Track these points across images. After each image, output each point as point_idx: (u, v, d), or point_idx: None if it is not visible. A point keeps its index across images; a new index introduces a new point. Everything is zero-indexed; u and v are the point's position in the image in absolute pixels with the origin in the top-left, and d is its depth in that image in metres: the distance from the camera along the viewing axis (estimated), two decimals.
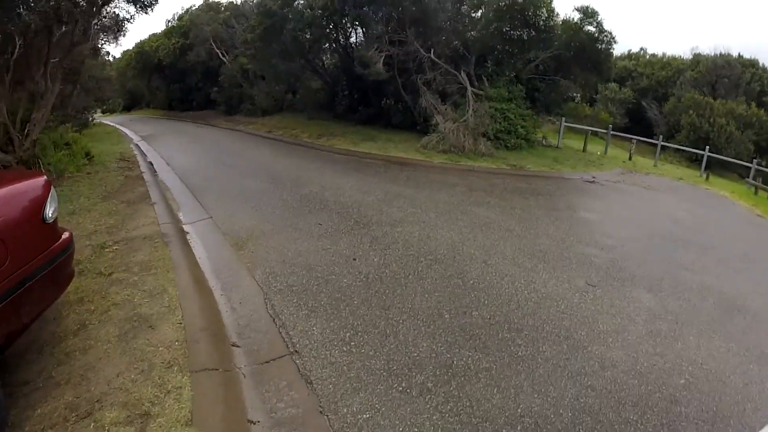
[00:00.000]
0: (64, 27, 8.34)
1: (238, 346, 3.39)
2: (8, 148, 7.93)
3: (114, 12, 9.95)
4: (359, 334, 3.52)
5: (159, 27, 34.86)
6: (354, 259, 4.90)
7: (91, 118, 18.50)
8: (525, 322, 3.88)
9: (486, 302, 4.17)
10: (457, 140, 12.38)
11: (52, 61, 8.43)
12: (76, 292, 4.12)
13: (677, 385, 3.25)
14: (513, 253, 5.48)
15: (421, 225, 6.28)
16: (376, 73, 13.73)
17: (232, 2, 26.16)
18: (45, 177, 3.15)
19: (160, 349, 3.32)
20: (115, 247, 5.20)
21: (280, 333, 3.50)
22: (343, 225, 6.10)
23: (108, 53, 39.85)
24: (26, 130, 8.18)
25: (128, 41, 44.82)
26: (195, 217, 6.43)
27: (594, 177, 11.62)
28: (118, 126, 22.91)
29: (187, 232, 5.82)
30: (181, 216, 6.50)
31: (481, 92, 13.63)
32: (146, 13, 9.71)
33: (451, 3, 14.69)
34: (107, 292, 4.14)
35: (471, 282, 4.56)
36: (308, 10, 14.62)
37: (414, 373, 3.10)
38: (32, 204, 2.83)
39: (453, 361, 3.26)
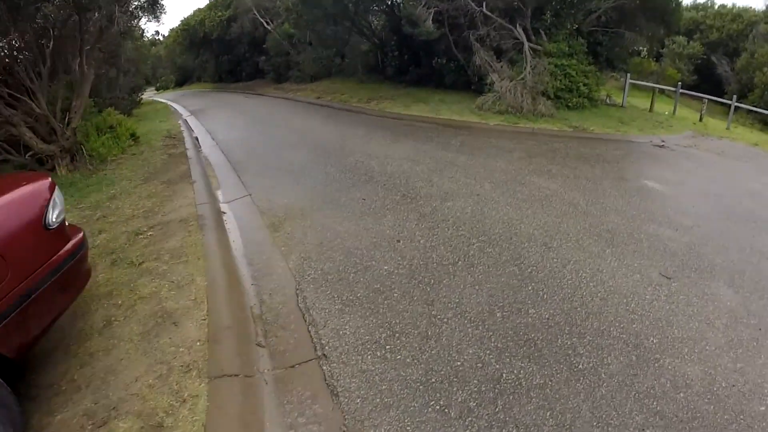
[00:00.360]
0: (96, 13, 8.30)
1: (262, 347, 3.12)
2: (51, 137, 8.12)
3: None
4: (396, 335, 3.12)
5: (203, 2, 35.43)
6: (398, 241, 4.47)
7: (139, 98, 19.07)
8: (589, 324, 3.31)
9: (545, 297, 3.62)
10: (515, 100, 11.51)
11: (86, 48, 8.49)
12: (106, 285, 4.06)
13: (756, 414, 2.64)
14: (577, 234, 4.82)
15: (475, 198, 5.72)
16: (427, 33, 12.95)
17: None
18: (48, 179, 3.00)
19: (181, 349, 3.13)
20: (149, 233, 5.10)
21: (309, 332, 3.18)
22: (388, 200, 5.69)
23: (154, 32, 41.38)
24: (66, 119, 8.32)
25: (174, 19, 45.70)
26: (234, 195, 6.28)
27: (663, 141, 10.50)
28: (169, 102, 23.56)
29: (224, 213, 5.67)
30: (219, 195, 6.38)
31: (539, 47, 12.51)
32: None
33: None
34: (136, 284, 4.03)
35: (529, 270, 4.00)
36: None
37: (455, 388, 2.68)
38: (31, 212, 2.71)
39: (502, 374, 2.79)
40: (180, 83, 39.31)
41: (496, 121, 10.84)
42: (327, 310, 3.40)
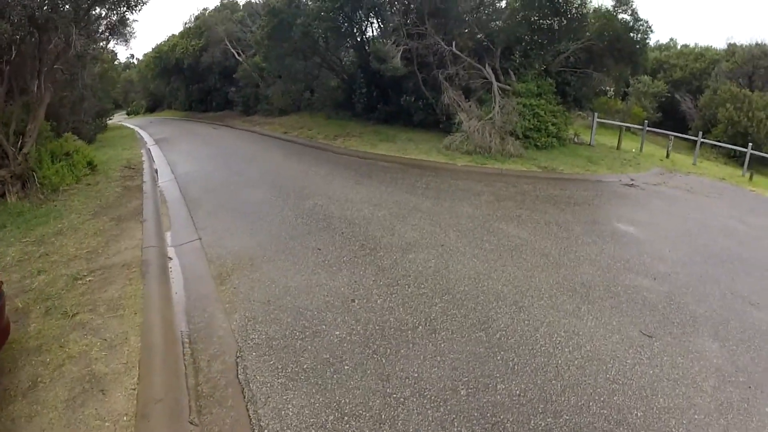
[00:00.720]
0: (53, 35, 8.14)
1: (195, 425, 2.85)
2: (3, 162, 7.77)
3: (105, 14, 9.67)
4: (345, 418, 2.88)
5: (178, 29, 35.98)
6: (353, 301, 4.26)
7: (105, 123, 18.68)
8: (566, 399, 3.15)
9: (516, 368, 3.44)
10: (483, 140, 11.63)
11: (44, 70, 8.33)
12: (37, 337, 3.80)
13: None
14: (550, 289, 4.72)
15: (439, 250, 5.57)
16: (394, 68, 13.12)
17: (249, 1, 26.38)
18: None
19: (107, 424, 2.87)
20: (89, 279, 4.81)
21: (248, 410, 2.93)
22: (346, 250, 5.47)
23: (129, 56, 41.33)
24: (20, 143, 8.01)
25: (149, 44, 46.09)
26: (183, 238, 6.05)
27: (633, 179, 10.81)
28: (136, 128, 23.17)
29: (170, 258, 5.42)
30: (168, 237, 6.14)
31: (508, 87, 12.85)
32: (132, 12, 9.51)
33: None
34: (67, 339, 3.76)
35: (497, 336, 3.84)
36: (316, 1, 14.17)
37: None
38: None
39: None
40: (151, 109, 39.17)
41: (464, 162, 10.89)
42: (269, 385, 3.15)
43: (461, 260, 5.29)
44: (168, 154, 13.09)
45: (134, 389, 3.13)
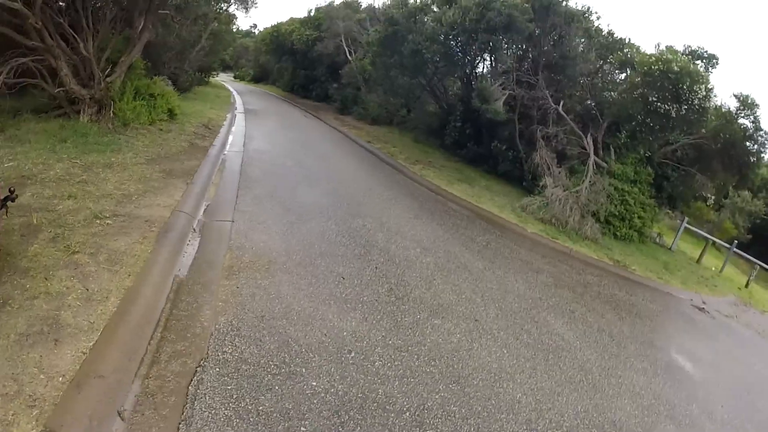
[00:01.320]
0: None
1: (122, 420, 2.62)
2: (88, 83, 8.24)
3: None
4: None
5: (301, 12, 38.64)
6: (350, 352, 3.83)
7: (207, 77, 19.70)
8: None
9: None
10: (563, 212, 10.99)
11: (153, 8, 8.94)
12: (30, 260, 3.83)
13: None
14: (574, 418, 4.02)
15: (470, 324, 4.99)
16: (495, 111, 12.84)
17: (371, 5, 27.30)
18: None
19: (41, 377, 2.74)
20: (108, 221, 4.85)
21: (179, 428, 2.65)
22: (370, 290, 5.08)
23: (252, 25, 44.82)
24: (108, 71, 8.47)
25: (270, 20, 49.55)
26: (217, 215, 6.00)
27: (705, 303, 9.72)
28: (234, 93, 24.27)
29: (194, 231, 5.36)
30: (203, 208, 6.12)
31: (604, 164, 12.20)
32: None
33: (595, 55, 13.57)
34: (54, 273, 3.74)
35: None
36: (434, 23, 14.19)
37: None
38: None
39: None
40: (257, 79, 42.57)
41: (536, 229, 10.18)
42: (213, 414, 2.84)
43: (489, 346, 4.70)
44: (250, 127, 13.53)
45: (84, 354, 2.98)
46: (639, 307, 7.69)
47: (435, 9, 15.46)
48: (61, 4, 8.04)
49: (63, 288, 3.56)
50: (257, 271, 4.74)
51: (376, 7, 24.78)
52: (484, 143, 15.26)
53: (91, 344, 3.06)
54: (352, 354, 3.85)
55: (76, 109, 8.33)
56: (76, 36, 8.14)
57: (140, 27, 8.94)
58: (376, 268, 5.65)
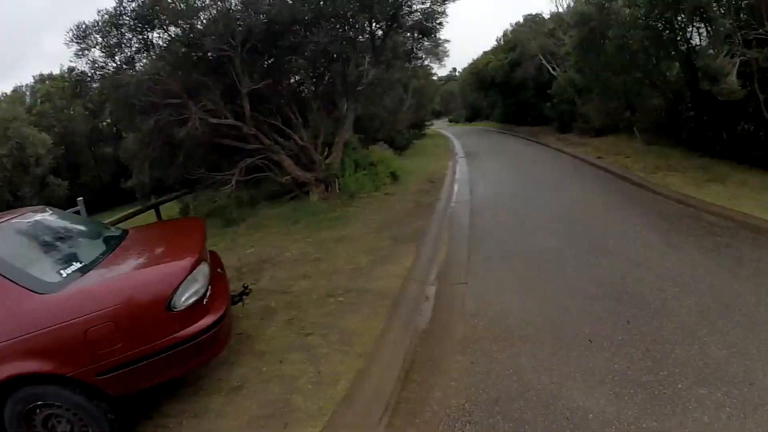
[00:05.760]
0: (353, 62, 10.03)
1: None
2: (312, 166, 9.52)
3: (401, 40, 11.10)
4: None
5: (490, 44, 40.09)
6: None
7: (422, 131, 21.01)
8: None
9: None
10: None
11: (349, 91, 10.19)
12: (268, 342, 4.37)
13: None
14: None
15: (743, 391, 3.46)
16: (729, 90, 9.99)
17: (556, 12, 25.51)
18: (191, 258, 3.40)
19: None
20: (340, 298, 5.23)
21: None
22: (621, 355, 4.01)
23: (452, 70, 47.99)
24: (326, 153, 9.70)
25: (467, 60, 52.05)
26: (450, 278, 5.90)
27: None
28: (452, 137, 25.13)
29: (426, 298, 5.32)
30: (434, 272, 6.07)
31: None
32: (428, 38, 10.80)
33: None
34: (288, 356, 4.13)
35: None
36: (630, 8, 12.47)
37: None
38: (157, 292, 3.17)
39: None
40: (470, 118, 45.72)
41: None
42: None
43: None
44: (473, 170, 13.72)
45: None
46: None
47: None
48: (269, 106, 9.81)
49: (295, 371, 3.84)
50: (493, 342, 4.34)
51: (561, 11, 23.42)
52: (726, 128, 12.46)
53: (317, 430, 3.18)
54: None
55: (304, 190, 9.75)
56: (290, 130, 9.71)
57: (344, 108, 10.11)
58: (627, 322, 4.55)
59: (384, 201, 9.58)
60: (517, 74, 26.80)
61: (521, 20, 30.87)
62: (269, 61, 9.48)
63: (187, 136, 8.46)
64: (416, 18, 9.97)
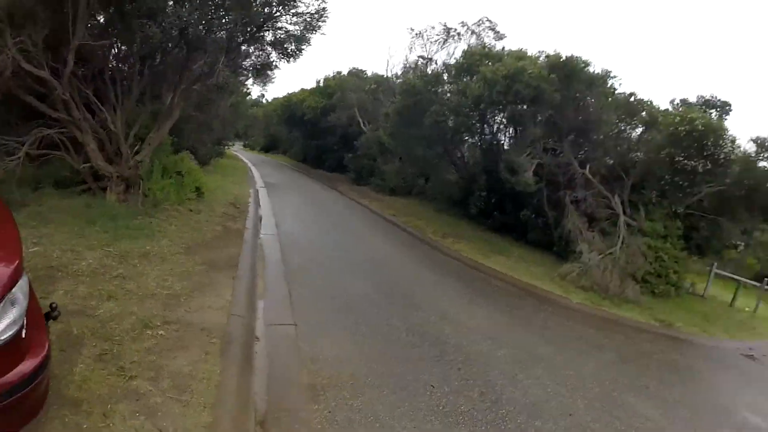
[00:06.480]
0: (202, 57, 8.80)
1: None
2: (115, 159, 8.06)
3: (262, 53, 10.33)
4: None
5: (310, 83, 40.95)
6: None
7: (223, 150, 19.96)
8: None
9: None
10: (603, 278, 10.88)
11: (181, 87, 8.82)
12: (80, 388, 3.29)
13: None
14: None
15: (567, 421, 4.69)
16: (525, 183, 12.87)
17: (380, 75, 28.07)
18: (11, 265, 2.30)
19: None
20: (160, 332, 4.36)
21: None
22: (463, 396, 4.66)
23: (260, 95, 47.39)
24: (137, 147, 8.31)
25: (281, 89, 52.40)
26: (276, 317, 5.57)
27: (751, 348, 9.87)
28: (249, 164, 24.42)
29: (257, 339, 4.89)
30: (260, 308, 5.72)
31: (634, 222, 12.31)
32: (289, 61, 9.96)
33: (617, 117, 13.82)
34: (113, 409, 3.17)
35: None
36: (458, 96, 14.39)
37: None
38: None
39: None
40: (267, 148, 44.83)
41: (579, 299, 10.05)
42: None
43: None
44: (275, 204, 13.49)
45: None
46: (698, 368, 7.84)
47: (448, 80, 15.85)
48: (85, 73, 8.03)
49: (130, 430, 3.01)
50: (343, 389, 4.23)
51: (388, 76, 25.52)
52: (511, 212, 15.39)
53: None
54: None
55: (101, 185, 8.12)
56: (102, 109, 8.04)
57: (171, 102, 8.82)
58: (458, 369, 5.27)
59: (189, 218, 8.63)
60: (330, 119, 27.41)
61: (345, 71, 32.33)
62: (115, 17, 7.76)
63: None
64: (280, 36, 9.35)
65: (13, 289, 2.19)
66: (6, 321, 2.10)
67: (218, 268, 6.41)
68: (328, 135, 29.10)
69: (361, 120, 24.98)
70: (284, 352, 4.77)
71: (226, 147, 24.46)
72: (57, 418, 2.93)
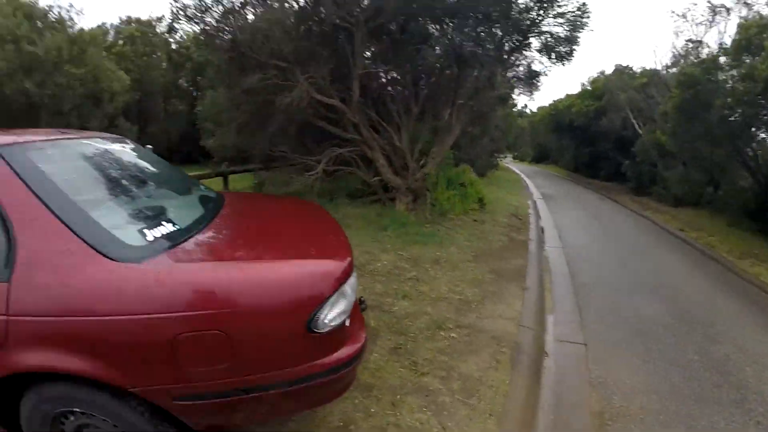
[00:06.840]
0: (475, 71, 8.98)
1: None
2: (402, 173, 8.78)
3: (525, 62, 10.07)
4: None
5: (575, 88, 38.43)
6: None
7: (497, 162, 20.21)
8: None
9: None
10: None
11: (458, 102, 9.20)
12: (374, 376, 3.62)
13: None
14: None
15: None
16: None
17: (650, 69, 24.16)
18: (344, 261, 2.47)
19: None
20: (452, 334, 4.51)
21: None
22: None
23: (523, 105, 46.57)
24: (422, 162, 8.90)
25: (544, 98, 50.48)
26: (565, 334, 5.26)
27: None
28: (522, 175, 24.27)
29: (546, 355, 4.66)
30: (549, 324, 5.47)
31: None
32: (562, 64, 9.38)
33: None
34: (402, 399, 3.38)
35: None
36: (742, 81, 11.46)
37: None
38: (296, 303, 2.18)
39: None
40: (536, 159, 44.09)
41: None
42: None
43: None
44: (555, 215, 13.07)
45: None
46: None
47: (726, 63, 13.02)
48: (366, 97, 9.06)
49: (415, 422, 3.13)
50: (632, 422, 3.72)
51: (657, 69, 22.20)
52: None
53: None
54: None
55: (389, 196, 9.03)
56: (387, 128, 9.01)
57: (450, 118, 9.33)
58: (758, 423, 4.02)
59: (475, 228, 8.91)
60: (601, 123, 25.49)
61: (608, 70, 29.80)
62: (389, 46, 8.79)
63: (290, 105, 7.59)
64: (548, 40, 9.04)
65: (345, 284, 2.40)
66: (336, 310, 2.31)
67: (506, 278, 6.41)
68: (601, 140, 26.67)
69: (634, 122, 22.38)
70: (573, 372, 4.45)
71: (499, 159, 24.88)
72: (349, 399, 3.22)
